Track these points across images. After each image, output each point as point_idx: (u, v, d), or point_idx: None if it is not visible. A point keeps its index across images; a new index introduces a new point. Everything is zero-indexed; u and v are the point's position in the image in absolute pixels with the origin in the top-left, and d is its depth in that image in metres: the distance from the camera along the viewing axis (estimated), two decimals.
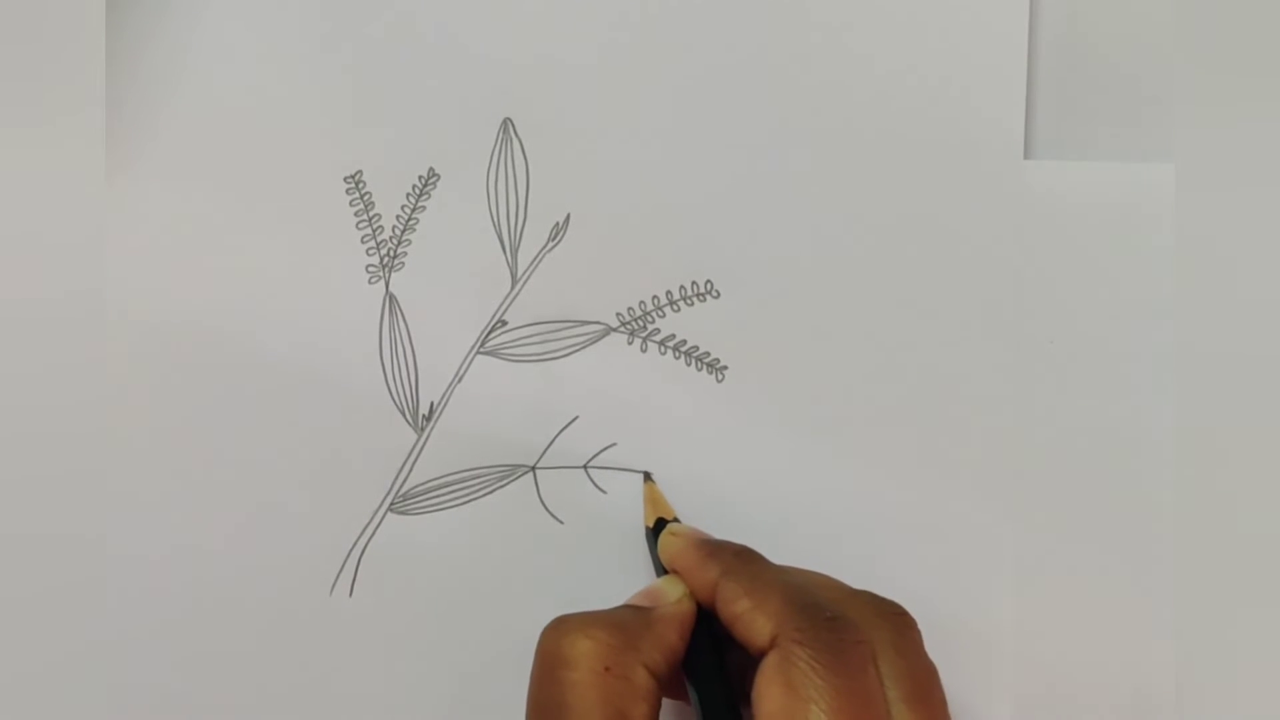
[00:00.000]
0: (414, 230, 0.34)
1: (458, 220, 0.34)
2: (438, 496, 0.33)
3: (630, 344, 0.33)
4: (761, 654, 0.25)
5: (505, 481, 0.33)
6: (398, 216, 0.34)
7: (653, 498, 0.32)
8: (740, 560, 0.27)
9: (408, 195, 0.34)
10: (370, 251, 0.34)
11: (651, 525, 0.31)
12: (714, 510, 0.32)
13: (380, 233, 0.34)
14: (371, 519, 0.33)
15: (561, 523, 0.32)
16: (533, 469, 0.33)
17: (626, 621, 0.26)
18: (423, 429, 0.33)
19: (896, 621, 0.26)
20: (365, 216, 0.34)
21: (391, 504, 0.33)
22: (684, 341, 0.33)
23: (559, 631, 0.26)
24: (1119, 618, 0.32)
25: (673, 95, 0.34)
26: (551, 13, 0.34)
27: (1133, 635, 0.31)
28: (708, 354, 0.33)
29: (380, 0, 0.35)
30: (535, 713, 0.25)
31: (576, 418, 0.33)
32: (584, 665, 0.25)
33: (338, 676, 0.32)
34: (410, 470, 0.33)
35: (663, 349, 0.33)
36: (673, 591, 0.28)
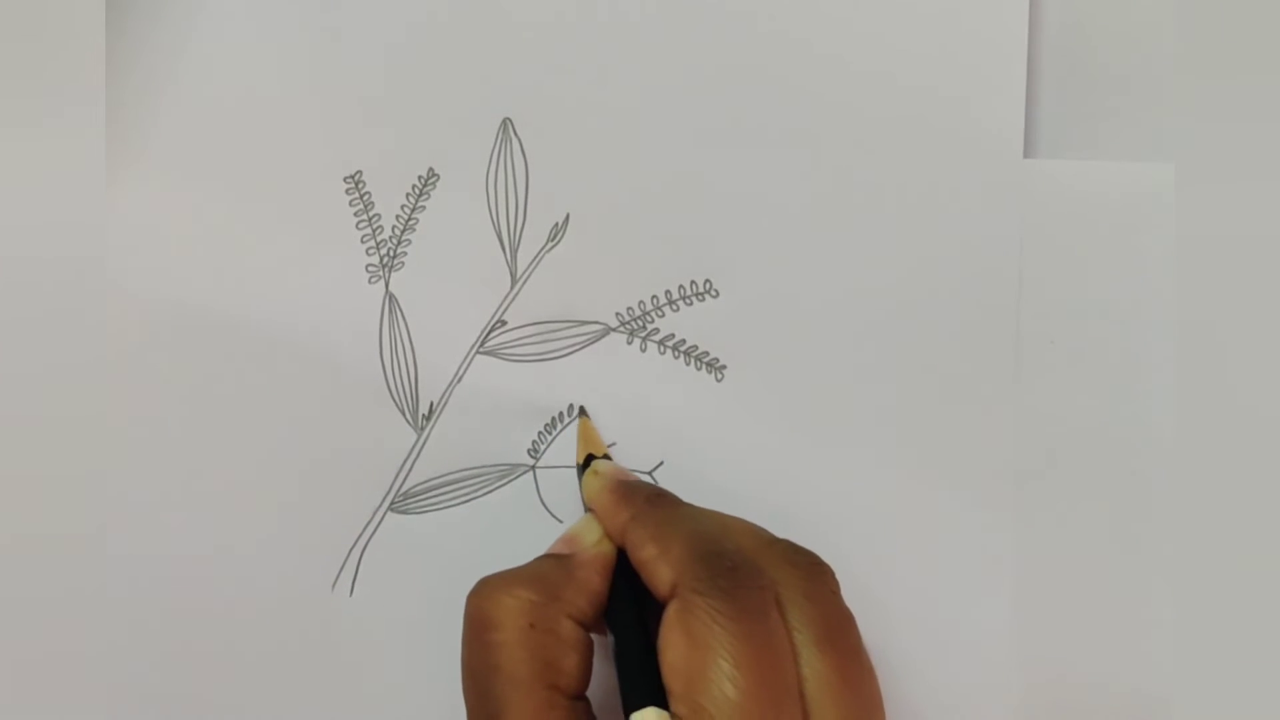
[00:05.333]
0: (414, 230, 0.34)
1: (457, 220, 0.34)
2: (437, 496, 0.33)
3: (630, 344, 0.33)
4: (665, 601, 0.25)
5: (505, 481, 0.33)
6: (397, 216, 0.34)
7: (585, 434, 0.32)
8: (650, 505, 0.27)
9: (407, 195, 0.34)
10: (370, 251, 0.34)
11: (581, 462, 0.30)
12: (713, 509, 0.32)
13: (380, 233, 0.34)
14: (371, 518, 0.33)
15: (561, 522, 0.32)
16: (532, 469, 0.33)
17: (547, 574, 0.26)
18: (422, 429, 0.33)
19: (808, 570, 0.26)
20: (365, 216, 0.34)
21: (391, 503, 0.33)
22: (683, 341, 0.33)
23: (481, 594, 0.26)
24: (1119, 618, 0.32)
25: (672, 95, 0.34)
26: (551, 12, 0.34)
27: (1133, 635, 0.31)
28: (707, 353, 0.33)
29: (380, 0, 0.35)
30: (468, 678, 0.25)
31: (576, 417, 0.33)
32: (509, 624, 0.25)
33: (338, 676, 0.32)
34: (410, 470, 0.33)
35: (662, 349, 0.33)
36: (590, 534, 0.28)
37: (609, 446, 0.33)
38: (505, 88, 0.34)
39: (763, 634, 0.23)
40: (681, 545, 0.25)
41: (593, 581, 0.26)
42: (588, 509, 0.29)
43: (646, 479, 0.32)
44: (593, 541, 0.27)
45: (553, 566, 0.27)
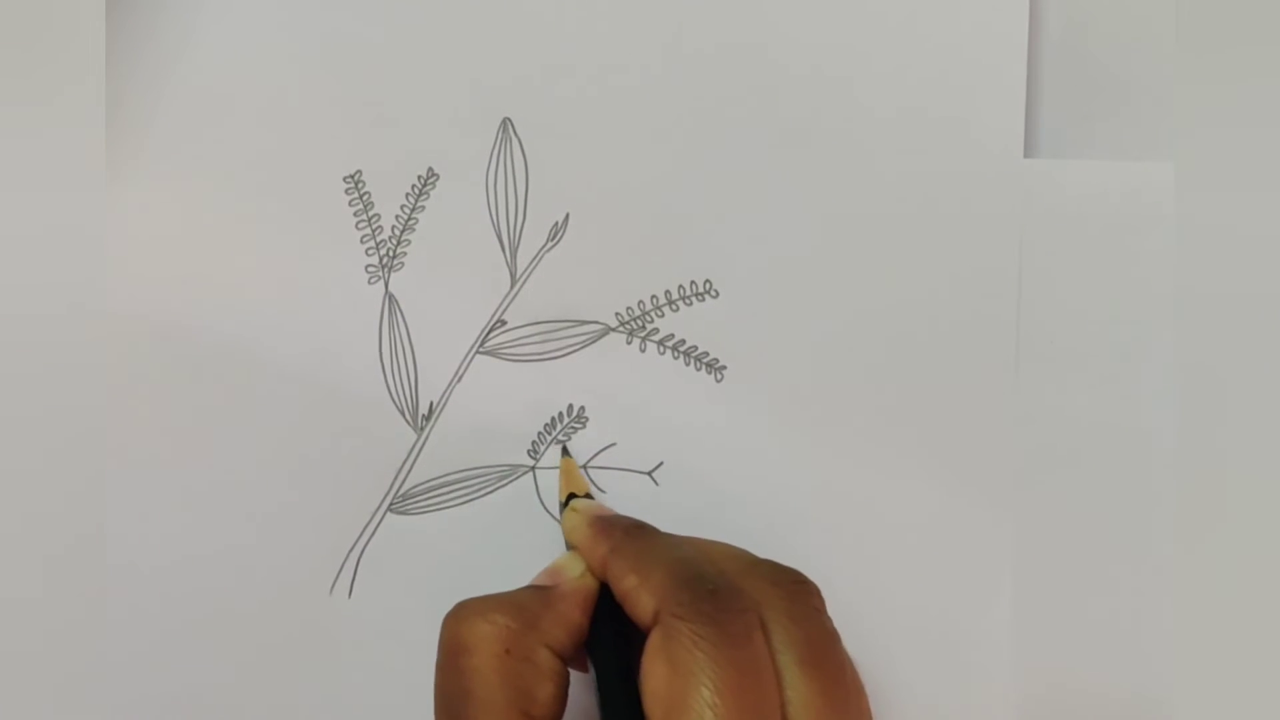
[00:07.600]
0: (413, 230, 0.34)
1: (457, 220, 0.34)
2: (437, 496, 0.33)
3: (629, 344, 0.33)
4: (648, 630, 0.25)
5: (505, 481, 0.33)
6: (397, 216, 0.34)
7: (567, 471, 0.32)
8: (629, 536, 0.27)
9: (407, 195, 0.34)
10: (370, 251, 0.34)
11: (563, 500, 0.30)
12: (713, 510, 0.32)
13: (380, 233, 0.34)
14: (371, 519, 0.33)
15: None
16: (532, 469, 0.33)
17: (526, 602, 0.26)
18: (422, 429, 0.33)
19: (792, 590, 0.25)
20: (365, 216, 0.34)
21: (391, 504, 0.33)
22: (683, 341, 0.33)
23: (458, 618, 0.26)
24: (1119, 618, 0.32)
25: (672, 95, 0.34)
26: (551, 12, 0.34)
27: (1133, 635, 0.31)
28: (706, 354, 0.33)
29: (380, 0, 0.35)
30: (441, 702, 0.25)
31: (576, 417, 0.33)
32: (484, 650, 0.25)
33: (338, 676, 0.32)
34: (410, 470, 0.33)
35: (662, 349, 0.33)
36: (574, 568, 0.27)
37: (608, 447, 0.33)
38: (505, 88, 0.34)
39: (745, 659, 0.23)
40: (662, 573, 0.25)
41: (572, 615, 0.26)
42: (570, 546, 0.29)
43: (646, 479, 0.32)
44: (576, 575, 0.27)
45: (532, 596, 0.26)
